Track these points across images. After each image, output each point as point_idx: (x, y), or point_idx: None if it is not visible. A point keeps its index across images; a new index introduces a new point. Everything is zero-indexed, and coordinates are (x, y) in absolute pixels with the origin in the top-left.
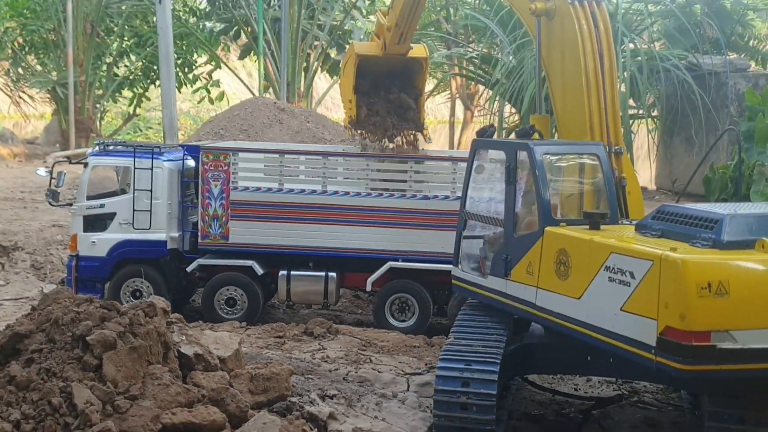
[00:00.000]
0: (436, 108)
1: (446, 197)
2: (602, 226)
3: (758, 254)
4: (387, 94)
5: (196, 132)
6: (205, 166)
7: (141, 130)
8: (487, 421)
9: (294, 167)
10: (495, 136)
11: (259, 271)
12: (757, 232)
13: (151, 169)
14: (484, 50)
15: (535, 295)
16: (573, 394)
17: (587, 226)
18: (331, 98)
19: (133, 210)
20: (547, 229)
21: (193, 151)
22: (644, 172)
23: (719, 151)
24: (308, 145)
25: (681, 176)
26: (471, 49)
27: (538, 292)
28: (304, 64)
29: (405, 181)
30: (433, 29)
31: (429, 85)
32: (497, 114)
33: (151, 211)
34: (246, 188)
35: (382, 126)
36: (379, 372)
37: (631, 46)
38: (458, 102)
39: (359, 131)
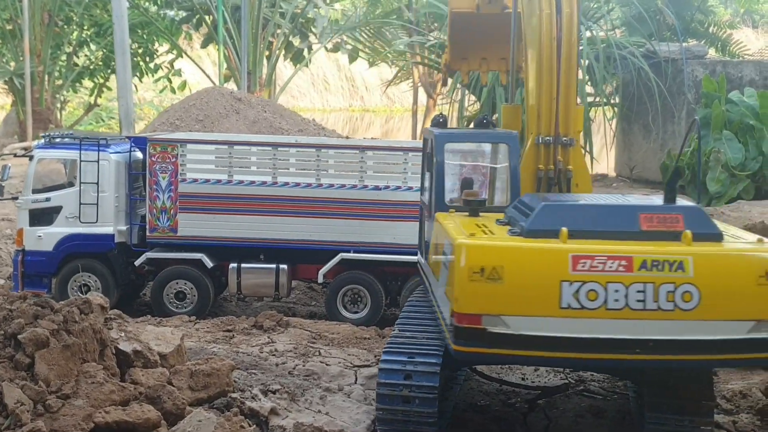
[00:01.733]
0: (402, 95)
1: (398, 188)
2: (482, 213)
3: (551, 243)
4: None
5: (152, 123)
6: (153, 158)
7: (103, 120)
8: (429, 413)
9: (243, 158)
10: (456, 125)
11: (209, 264)
12: (574, 222)
13: (98, 162)
14: (443, 38)
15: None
16: (520, 383)
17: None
18: (296, 86)
19: (80, 203)
20: (436, 214)
21: (140, 142)
22: (605, 159)
23: (677, 137)
24: (258, 136)
25: (639, 163)
26: (432, 38)
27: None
28: (267, 53)
29: (356, 172)
30: (395, 17)
31: (391, 72)
32: (458, 102)
33: (97, 204)
34: (194, 180)
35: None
36: (326, 365)
37: (588, 33)
38: (421, 90)
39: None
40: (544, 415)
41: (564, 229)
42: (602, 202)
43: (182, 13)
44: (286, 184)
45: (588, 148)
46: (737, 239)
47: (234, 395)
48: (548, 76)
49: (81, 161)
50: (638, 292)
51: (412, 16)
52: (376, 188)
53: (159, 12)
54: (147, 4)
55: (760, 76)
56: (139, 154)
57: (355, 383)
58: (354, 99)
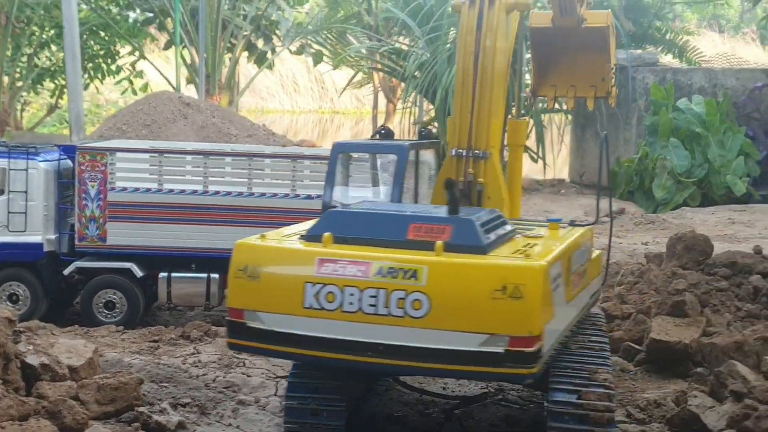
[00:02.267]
0: (365, 98)
1: None
2: None
3: (309, 246)
4: (570, 63)
5: (98, 127)
6: (82, 167)
7: (66, 122)
8: (337, 426)
9: (174, 167)
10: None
11: (139, 273)
12: (350, 229)
13: (26, 170)
14: (397, 43)
15: None
16: (439, 393)
17: None
18: (266, 88)
19: (8, 212)
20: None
21: (70, 151)
22: (564, 166)
23: (628, 144)
24: (188, 144)
25: (590, 170)
26: (387, 43)
27: None
28: (229, 55)
29: (288, 181)
30: (354, 22)
31: (357, 75)
32: (417, 106)
33: (26, 213)
34: (124, 189)
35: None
36: (248, 376)
37: None
38: (382, 94)
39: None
40: (460, 425)
41: (327, 234)
42: (381, 211)
43: (147, 14)
44: (217, 192)
45: (541, 155)
46: (500, 256)
47: (141, 409)
48: (462, 88)
49: (9, 169)
50: (371, 297)
51: (371, 21)
52: (309, 197)
53: (120, 13)
54: (110, 6)
55: (709, 83)
56: (69, 163)
57: (275, 395)
58: (324, 101)
